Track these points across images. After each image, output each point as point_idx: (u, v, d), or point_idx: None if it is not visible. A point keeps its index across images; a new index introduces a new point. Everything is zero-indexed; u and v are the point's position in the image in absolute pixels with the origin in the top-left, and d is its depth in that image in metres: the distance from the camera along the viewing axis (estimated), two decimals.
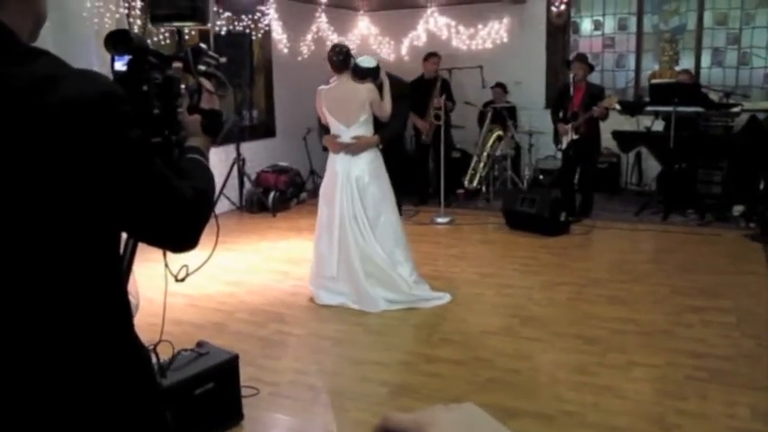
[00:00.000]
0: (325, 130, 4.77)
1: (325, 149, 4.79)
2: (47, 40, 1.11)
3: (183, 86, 1.29)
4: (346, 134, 4.56)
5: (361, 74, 4.60)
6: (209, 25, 6.24)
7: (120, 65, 1.23)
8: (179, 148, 1.29)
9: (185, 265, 1.34)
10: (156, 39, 5.87)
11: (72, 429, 1.09)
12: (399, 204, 5.26)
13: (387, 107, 4.60)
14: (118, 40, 1.23)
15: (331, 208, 4.63)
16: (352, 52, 4.66)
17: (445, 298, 4.70)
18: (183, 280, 1.38)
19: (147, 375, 1.23)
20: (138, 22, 4.90)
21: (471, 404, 0.55)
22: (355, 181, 4.54)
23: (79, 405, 1.10)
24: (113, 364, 1.15)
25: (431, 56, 8.02)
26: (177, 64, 1.31)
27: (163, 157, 1.19)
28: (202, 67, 1.36)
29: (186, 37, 1.36)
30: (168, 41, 6.19)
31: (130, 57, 1.23)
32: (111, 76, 1.23)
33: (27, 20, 1.12)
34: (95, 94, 1.03)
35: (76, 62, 1.10)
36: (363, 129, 4.55)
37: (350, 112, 4.52)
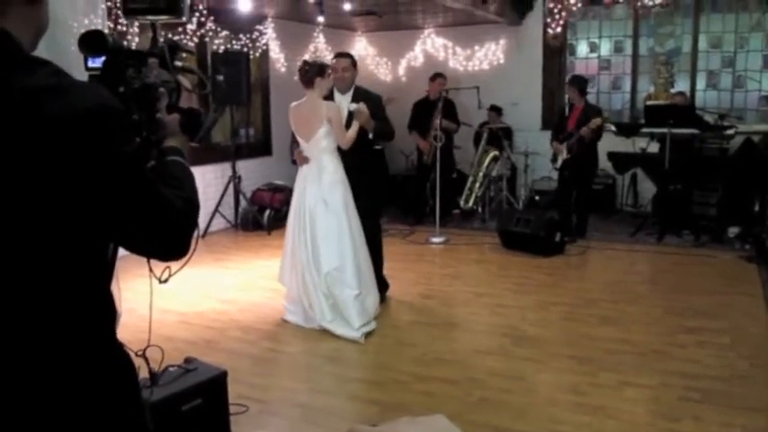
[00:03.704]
0: (298, 144, 4.83)
1: (294, 163, 4.83)
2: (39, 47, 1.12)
3: (161, 89, 1.28)
4: (307, 149, 4.63)
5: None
6: (184, 19, 6.28)
7: (95, 63, 1.22)
8: (157, 147, 1.28)
9: (168, 267, 1.34)
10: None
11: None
12: (377, 220, 5.22)
13: (349, 136, 4.56)
14: (93, 42, 1.22)
15: (290, 220, 4.74)
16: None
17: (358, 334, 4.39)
18: (166, 281, 1.37)
19: (130, 382, 1.23)
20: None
21: (440, 416, 0.54)
22: (311, 197, 4.56)
23: (59, 408, 1.10)
24: (96, 368, 1.15)
25: (437, 76, 8.01)
26: (153, 59, 1.30)
27: (143, 158, 1.19)
28: (179, 63, 1.35)
29: (162, 38, 1.35)
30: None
31: (105, 57, 1.22)
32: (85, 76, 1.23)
33: (29, 29, 1.13)
34: (94, 107, 1.04)
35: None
36: (325, 142, 4.56)
37: (310, 127, 4.57)
